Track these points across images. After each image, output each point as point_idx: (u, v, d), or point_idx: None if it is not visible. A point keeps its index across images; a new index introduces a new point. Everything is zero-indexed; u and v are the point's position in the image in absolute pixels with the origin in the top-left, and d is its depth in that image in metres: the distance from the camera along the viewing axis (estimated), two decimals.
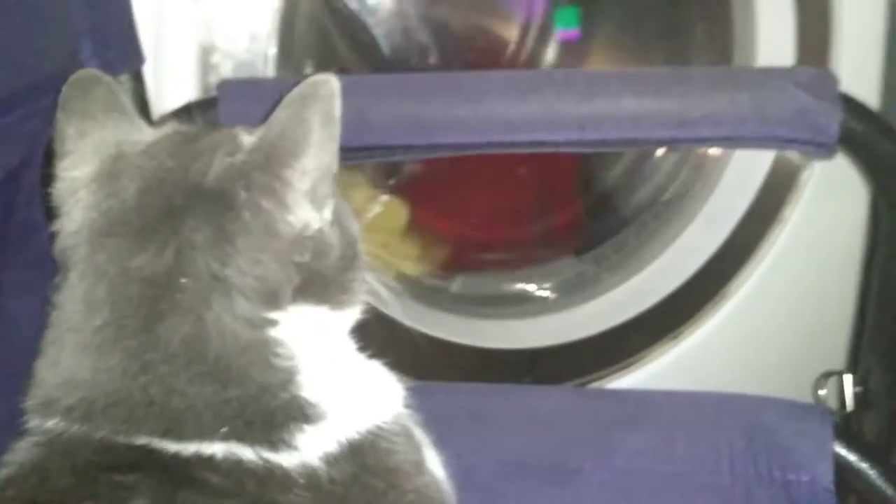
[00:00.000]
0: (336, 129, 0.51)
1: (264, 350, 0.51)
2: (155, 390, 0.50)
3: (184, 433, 0.50)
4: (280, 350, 0.51)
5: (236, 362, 0.50)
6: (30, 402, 0.53)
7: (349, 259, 0.55)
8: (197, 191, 0.51)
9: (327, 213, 0.53)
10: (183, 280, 0.49)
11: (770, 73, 0.74)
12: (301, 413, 0.51)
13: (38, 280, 0.76)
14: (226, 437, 0.50)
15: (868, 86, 1.06)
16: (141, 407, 0.50)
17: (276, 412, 0.51)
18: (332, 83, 0.51)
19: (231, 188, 0.51)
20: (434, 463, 0.58)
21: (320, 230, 0.53)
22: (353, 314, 0.57)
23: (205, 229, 0.50)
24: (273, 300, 0.51)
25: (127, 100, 0.59)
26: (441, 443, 0.61)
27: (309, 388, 0.52)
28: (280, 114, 0.51)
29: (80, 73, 0.59)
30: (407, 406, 0.58)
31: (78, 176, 0.54)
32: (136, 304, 0.50)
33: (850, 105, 0.72)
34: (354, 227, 0.56)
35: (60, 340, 0.52)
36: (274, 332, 0.51)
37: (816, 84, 0.72)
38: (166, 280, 0.50)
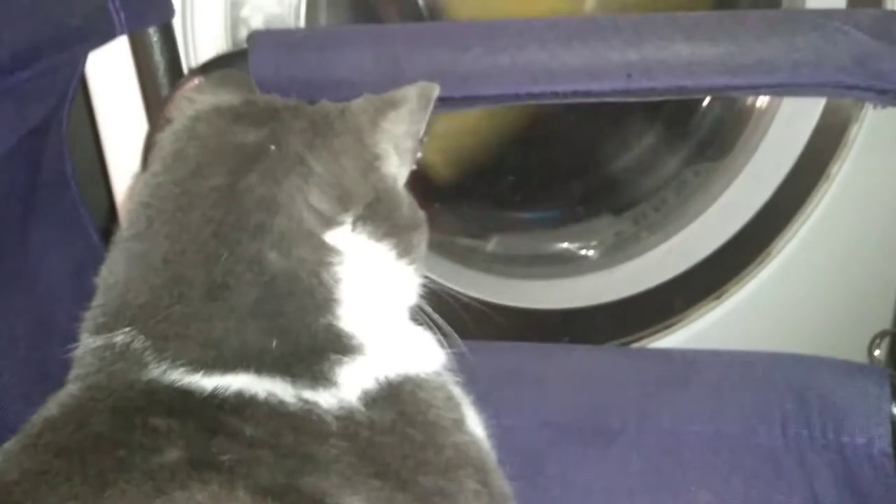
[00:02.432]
0: (429, 109, 0.60)
1: (319, 252, 0.53)
2: (219, 272, 0.51)
3: (231, 353, 0.50)
4: (333, 261, 0.53)
5: (295, 252, 0.52)
6: (93, 320, 0.54)
7: (416, 225, 0.59)
8: (298, 106, 0.58)
9: (404, 170, 0.59)
10: (272, 147, 0.54)
11: (829, 14, 0.70)
12: (338, 342, 0.52)
13: (67, 237, 0.75)
14: (270, 369, 0.50)
15: None
16: (204, 304, 0.51)
17: (316, 336, 0.52)
18: (434, 85, 0.60)
19: (330, 111, 0.58)
20: (474, 422, 0.58)
21: (395, 179, 0.58)
22: (411, 277, 0.58)
23: (301, 121, 0.56)
24: (344, 204, 0.54)
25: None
26: (480, 402, 0.60)
27: (348, 320, 0.53)
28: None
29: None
30: (447, 369, 0.58)
31: (202, 99, 0.60)
32: (224, 159, 0.53)
33: None
34: (421, 214, 0.61)
35: (133, 228, 0.54)
36: (334, 240, 0.53)
37: (879, 26, 0.67)
38: (257, 146, 0.54)
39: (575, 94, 0.73)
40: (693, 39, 0.70)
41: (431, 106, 0.60)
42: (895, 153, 1.14)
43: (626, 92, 0.72)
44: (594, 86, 0.72)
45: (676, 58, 0.69)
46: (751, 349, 0.80)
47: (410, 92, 0.59)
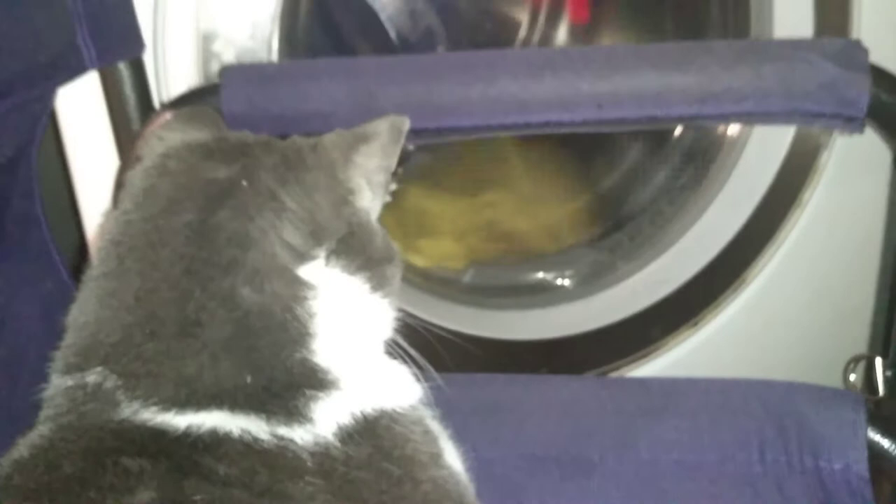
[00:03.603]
0: (400, 142, 0.60)
1: (293, 287, 0.52)
2: (191, 308, 0.50)
3: (204, 391, 0.49)
4: (307, 295, 0.53)
5: (268, 287, 0.52)
6: (64, 359, 0.53)
7: (390, 258, 0.59)
8: (269, 141, 0.58)
9: (377, 204, 0.59)
10: (244, 182, 0.54)
11: (796, 44, 0.71)
12: (313, 377, 0.52)
13: (37, 275, 0.74)
14: (244, 405, 0.49)
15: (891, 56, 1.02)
16: (177, 341, 0.50)
17: (290, 371, 0.51)
18: (405, 119, 0.61)
19: (302, 146, 0.58)
20: (451, 456, 0.58)
21: (368, 213, 0.58)
22: (385, 310, 0.58)
23: (273, 156, 0.56)
24: (317, 239, 0.54)
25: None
26: (458, 435, 0.59)
27: (322, 354, 0.53)
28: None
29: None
30: (424, 403, 0.57)
31: (171, 136, 0.60)
32: (195, 195, 0.53)
33: (880, 77, 0.69)
34: (395, 247, 0.60)
35: (104, 266, 0.54)
36: (307, 274, 0.53)
37: (845, 55, 0.68)
38: (228, 182, 0.54)
39: (547, 124, 0.74)
40: (662, 69, 0.71)
41: (403, 139, 0.60)
42: (866, 179, 1.16)
43: (598, 122, 0.72)
44: (565, 116, 0.72)
45: (646, 88, 0.70)
46: (728, 376, 0.80)
47: (381, 126, 0.60)
